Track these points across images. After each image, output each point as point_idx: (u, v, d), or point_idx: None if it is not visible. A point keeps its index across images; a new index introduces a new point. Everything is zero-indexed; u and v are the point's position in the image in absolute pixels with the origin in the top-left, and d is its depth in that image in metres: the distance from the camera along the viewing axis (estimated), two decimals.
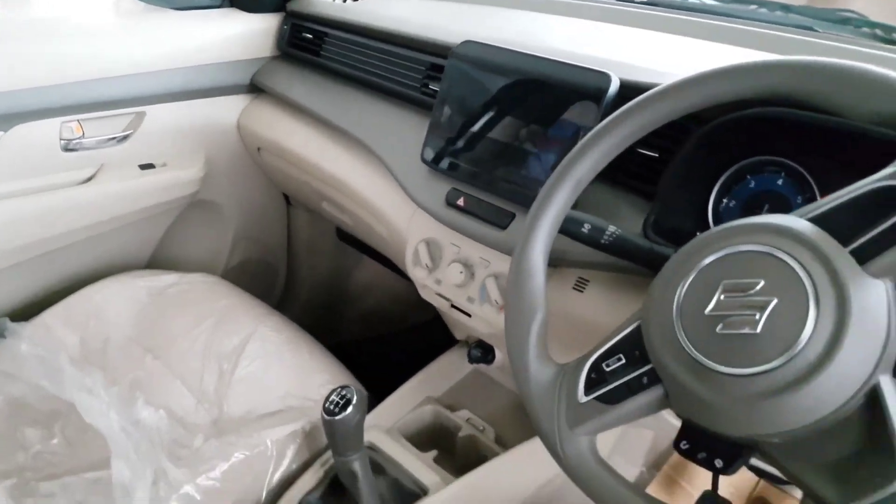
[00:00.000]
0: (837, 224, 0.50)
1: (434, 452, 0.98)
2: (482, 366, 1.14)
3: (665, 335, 0.54)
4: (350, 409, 0.81)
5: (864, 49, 0.89)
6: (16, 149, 1.12)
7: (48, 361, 1.02)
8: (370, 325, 1.80)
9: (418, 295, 1.06)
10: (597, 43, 1.04)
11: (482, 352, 1.10)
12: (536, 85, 0.87)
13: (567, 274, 0.86)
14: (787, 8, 1.13)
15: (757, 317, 0.49)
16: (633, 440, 1.15)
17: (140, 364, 1.05)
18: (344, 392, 0.82)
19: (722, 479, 1.01)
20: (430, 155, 0.98)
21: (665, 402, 0.56)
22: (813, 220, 0.51)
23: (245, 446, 0.90)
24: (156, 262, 1.42)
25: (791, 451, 0.51)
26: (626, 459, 1.12)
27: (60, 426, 0.95)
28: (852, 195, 0.51)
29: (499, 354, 1.11)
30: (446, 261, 0.97)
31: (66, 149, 1.19)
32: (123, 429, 0.90)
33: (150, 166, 1.30)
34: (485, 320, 0.94)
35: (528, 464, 0.95)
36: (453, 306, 0.99)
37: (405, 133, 1.06)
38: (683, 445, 0.59)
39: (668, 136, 0.80)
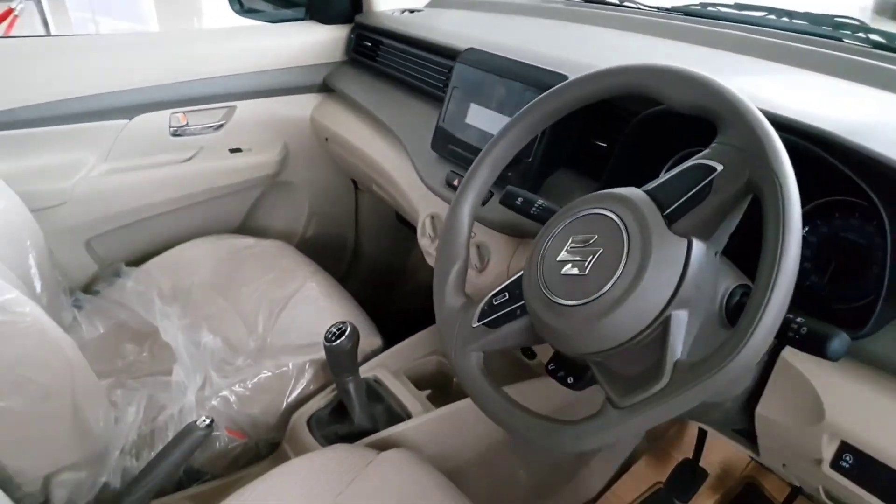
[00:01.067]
0: (664, 194, 0.65)
1: (428, 391, 1.18)
2: None
3: (531, 277, 0.71)
4: (343, 338, 1.02)
5: (859, 58, 0.97)
6: (137, 133, 1.44)
7: (145, 296, 1.33)
8: (421, 297, 2.01)
9: None
10: (589, 49, 1.19)
11: None
12: (513, 83, 1.04)
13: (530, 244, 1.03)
14: (791, 14, 1.22)
15: (586, 262, 0.66)
16: None
17: (212, 303, 1.33)
18: (341, 326, 1.04)
19: (713, 457, 1.19)
20: (436, 143, 1.18)
21: (532, 331, 0.73)
22: (648, 191, 0.67)
23: (273, 367, 1.15)
24: (242, 230, 1.72)
25: (608, 367, 0.66)
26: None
27: (149, 343, 1.25)
28: (678, 170, 0.65)
29: None
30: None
31: (174, 134, 1.50)
32: (187, 347, 1.18)
33: (238, 150, 1.59)
34: (469, 282, 1.13)
35: None
36: None
37: (426, 125, 1.26)
38: (550, 367, 0.76)
39: (615, 130, 0.95)
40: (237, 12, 1.71)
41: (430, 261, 1.24)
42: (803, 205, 0.72)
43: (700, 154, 0.64)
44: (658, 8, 1.44)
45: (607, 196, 0.69)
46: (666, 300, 0.60)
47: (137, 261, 1.47)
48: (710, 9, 1.28)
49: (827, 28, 1.09)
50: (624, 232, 0.64)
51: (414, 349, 1.28)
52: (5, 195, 1.17)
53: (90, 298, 1.36)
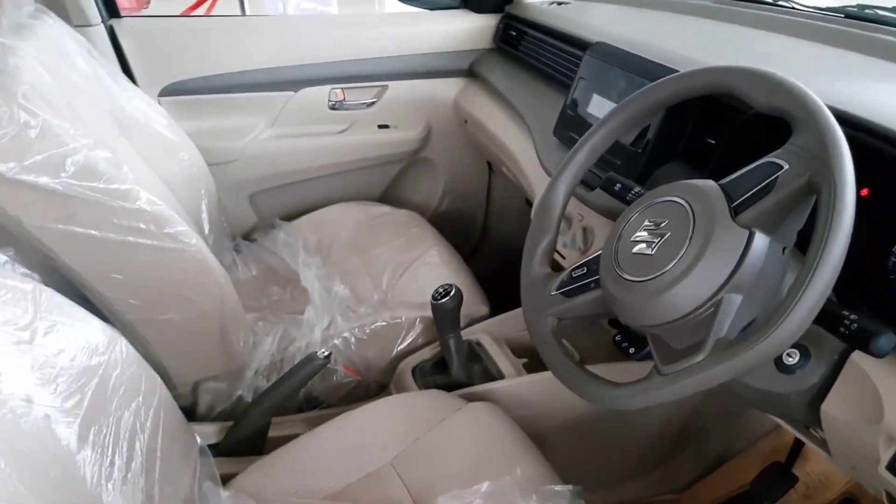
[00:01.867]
0: (735, 187, 0.69)
1: (525, 360, 1.26)
2: None
3: (607, 254, 0.78)
4: (447, 298, 1.13)
5: None
6: (301, 104, 1.64)
7: (293, 247, 1.53)
8: None
9: None
10: (721, 48, 1.20)
11: None
12: (634, 76, 1.09)
13: None
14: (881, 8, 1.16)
15: (654, 243, 0.71)
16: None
17: (347, 260, 1.50)
18: (448, 288, 1.15)
19: (813, 467, 1.22)
20: (557, 129, 1.25)
21: (602, 303, 0.79)
22: (721, 184, 0.71)
23: (389, 318, 1.29)
24: (384, 200, 1.89)
25: (663, 340, 0.72)
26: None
27: (290, 287, 1.44)
28: (750, 167, 0.69)
29: None
30: (574, 226, 1.22)
31: (332, 108, 1.69)
32: (320, 293, 1.35)
33: (385, 126, 1.75)
34: (571, 262, 1.19)
35: None
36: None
37: (553, 113, 1.33)
38: (617, 338, 0.82)
39: (726, 127, 0.97)
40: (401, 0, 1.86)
41: None
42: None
43: (773, 153, 0.67)
44: (814, 8, 1.40)
45: (684, 186, 0.74)
46: (720, 283, 0.65)
47: (291, 217, 1.67)
48: (867, 11, 1.23)
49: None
50: (691, 218, 0.69)
51: (519, 320, 1.36)
52: (189, 149, 1.40)
53: (248, 244, 1.58)
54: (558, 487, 0.90)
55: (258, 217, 1.72)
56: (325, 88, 1.66)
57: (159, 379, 0.88)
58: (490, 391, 1.15)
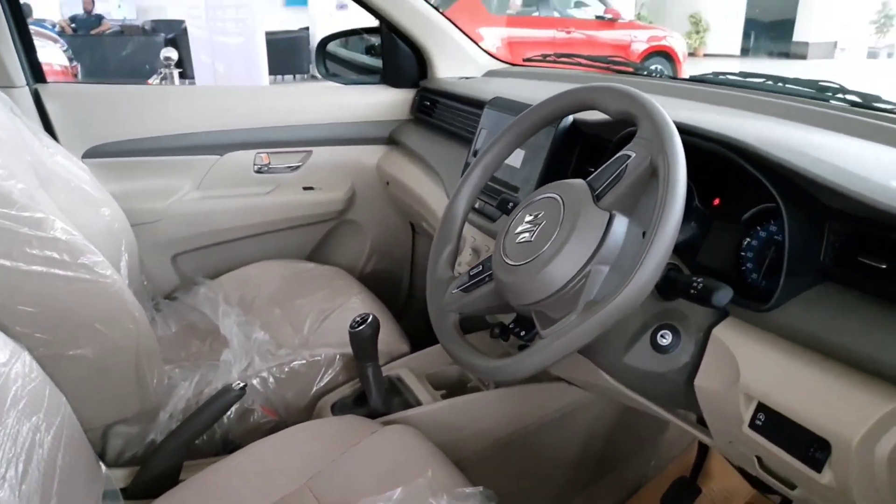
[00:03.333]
0: (597, 179, 0.80)
1: (444, 391, 1.29)
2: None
3: (497, 248, 0.85)
4: (364, 325, 1.17)
5: (841, 114, 1.08)
6: (226, 168, 1.71)
7: (214, 301, 1.54)
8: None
9: None
10: None
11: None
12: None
13: None
14: (784, 80, 1.33)
15: (534, 231, 0.80)
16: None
17: (269, 312, 1.52)
18: (364, 316, 1.19)
19: (715, 484, 1.30)
20: (464, 173, 1.34)
21: (497, 295, 0.86)
22: (586, 180, 0.81)
23: (308, 356, 1.31)
24: (310, 260, 1.93)
25: (546, 314, 0.78)
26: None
27: (210, 339, 1.44)
28: (608, 163, 0.79)
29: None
30: (467, 247, 1.30)
31: (258, 171, 1.76)
32: (238, 337, 1.37)
33: (310, 188, 1.83)
34: None
35: (508, 404, 1.22)
36: None
37: (462, 162, 1.44)
38: (511, 325, 0.88)
39: (601, 157, 1.08)
40: (322, 75, 1.99)
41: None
42: (744, 211, 0.85)
43: (624, 148, 0.78)
44: (672, 77, 1.59)
45: (557, 183, 0.84)
46: (588, 257, 0.74)
47: (216, 274, 1.69)
48: (720, 77, 1.41)
49: (812, 90, 1.19)
50: (562, 207, 0.79)
51: (438, 356, 1.40)
52: (111, 206, 1.43)
53: (168, 303, 1.59)
54: (469, 489, 0.92)
55: (181, 278, 1.74)
56: (251, 153, 1.73)
57: (65, 398, 0.88)
58: (408, 417, 1.17)
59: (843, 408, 0.68)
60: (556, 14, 9.53)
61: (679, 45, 9.81)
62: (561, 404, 1.28)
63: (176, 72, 3.93)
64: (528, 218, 0.83)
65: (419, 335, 1.54)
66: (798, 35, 13.04)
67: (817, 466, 0.70)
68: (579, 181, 0.81)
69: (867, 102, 1.10)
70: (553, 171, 1.14)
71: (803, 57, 12.89)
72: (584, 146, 1.14)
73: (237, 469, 1.01)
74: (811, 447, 0.70)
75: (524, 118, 0.95)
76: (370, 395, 1.21)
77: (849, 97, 1.14)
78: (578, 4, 9.94)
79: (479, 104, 1.47)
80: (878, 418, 0.65)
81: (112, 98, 1.59)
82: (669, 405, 0.91)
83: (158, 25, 9.16)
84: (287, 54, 8.19)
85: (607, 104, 0.82)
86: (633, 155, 0.75)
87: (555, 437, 1.29)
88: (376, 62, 2.04)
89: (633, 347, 0.85)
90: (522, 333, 0.87)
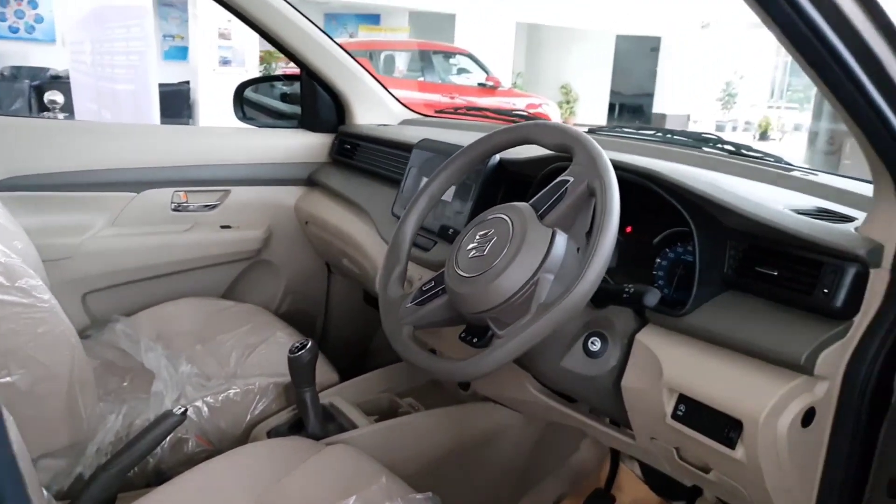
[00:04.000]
0: (539, 201, 0.91)
1: (376, 417, 1.34)
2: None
3: (450, 263, 0.94)
4: (303, 351, 1.21)
5: (720, 158, 1.28)
6: (143, 205, 1.69)
7: (133, 337, 1.51)
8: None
9: None
10: None
11: None
12: None
13: None
14: (672, 132, 1.54)
15: (485, 247, 0.90)
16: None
17: (192, 347, 1.51)
18: (304, 342, 1.23)
19: (625, 497, 1.41)
20: (395, 208, 1.44)
21: (449, 307, 0.94)
22: (530, 203, 0.92)
23: (242, 385, 1.32)
24: (225, 298, 1.92)
25: (501, 320, 0.88)
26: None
27: (131, 376, 1.41)
28: (548, 187, 0.92)
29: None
30: None
31: (175, 209, 1.76)
32: (168, 369, 1.35)
33: (227, 227, 1.84)
34: None
35: (440, 424, 1.29)
36: None
37: (389, 201, 1.53)
38: (462, 335, 0.97)
39: (524, 189, 1.21)
40: (239, 119, 2.03)
41: None
42: (655, 235, 1.00)
43: (562, 174, 0.91)
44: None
45: (504, 206, 0.95)
46: (536, 267, 0.85)
47: (133, 311, 1.65)
48: (616, 128, 1.62)
49: (694, 140, 1.41)
50: (510, 226, 0.90)
51: (369, 383, 1.45)
52: (23, 240, 1.38)
53: (81, 341, 1.53)
54: (419, 496, 0.98)
55: (91, 317, 1.68)
56: (169, 191, 1.73)
57: None
58: (346, 439, 1.21)
59: (751, 391, 0.82)
60: (439, 80, 10.03)
61: (554, 113, 10.56)
62: (487, 425, 1.37)
63: (61, 115, 3.77)
64: (478, 236, 0.93)
65: (340, 372, 1.58)
66: (657, 107, 14.41)
67: (731, 444, 0.83)
68: (524, 204, 0.92)
69: (738, 150, 1.31)
70: (482, 203, 1.25)
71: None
72: (509, 184, 1.26)
73: (180, 496, 1.00)
74: (725, 428, 0.83)
75: (468, 150, 1.06)
76: (308, 420, 1.23)
77: (725, 147, 1.35)
78: (461, 71, 10.51)
79: (404, 146, 1.58)
80: (779, 396, 0.79)
81: (27, 131, 1.55)
82: (599, 406, 1.03)
83: (20, 72, 8.67)
84: (167, 106, 8.02)
85: (545, 138, 0.95)
86: (572, 180, 0.87)
87: (482, 455, 1.37)
88: (292, 108, 2.11)
89: (568, 353, 0.96)
90: (475, 341, 0.96)
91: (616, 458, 1.50)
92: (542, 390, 1.14)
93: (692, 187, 0.92)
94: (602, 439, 1.17)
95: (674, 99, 13.91)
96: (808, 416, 0.81)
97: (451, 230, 1.14)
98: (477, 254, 0.90)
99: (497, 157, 1.25)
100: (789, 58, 0.83)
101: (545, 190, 0.92)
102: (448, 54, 10.70)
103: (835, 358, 0.79)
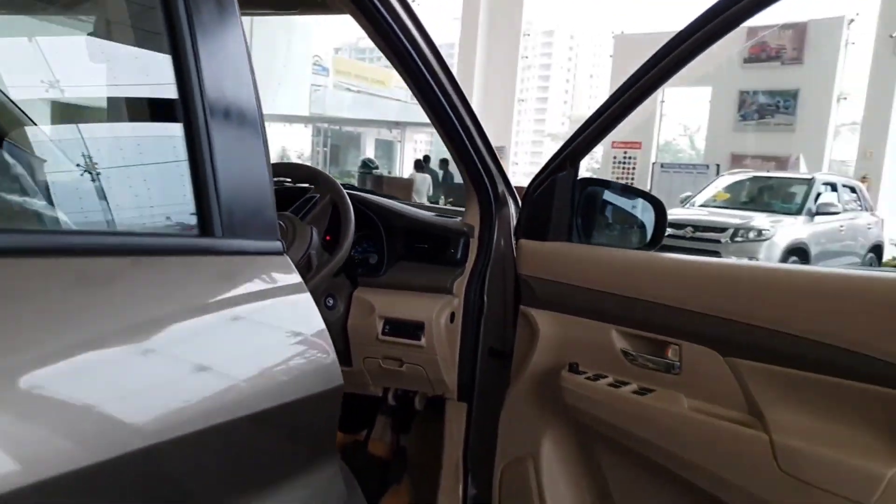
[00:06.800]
0: (298, 210, 1.56)
1: None
2: None
3: None
4: None
5: None
6: None
7: None
8: None
9: None
10: None
11: None
12: None
13: None
14: None
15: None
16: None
17: None
18: None
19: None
20: None
21: None
22: (291, 210, 1.58)
23: None
24: None
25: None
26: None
27: None
28: (302, 199, 1.58)
29: None
30: None
31: None
32: None
33: None
34: None
35: None
36: None
37: None
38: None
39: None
40: None
41: None
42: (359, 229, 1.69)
43: (308, 192, 1.58)
44: None
45: (281, 215, 1.60)
46: (305, 247, 1.48)
47: None
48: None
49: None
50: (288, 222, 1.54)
51: None
52: None
53: None
54: None
55: None
56: None
57: None
58: None
59: (425, 307, 1.52)
60: None
61: None
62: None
63: None
64: None
65: None
66: None
67: (419, 338, 1.52)
68: (290, 213, 1.56)
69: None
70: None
71: None
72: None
73: None
74: (414, 329, 1.52)
75: None
76: None
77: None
78: None
79: None
80: (439, 306, 1.50)
81: None
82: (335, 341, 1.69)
83: None
84: None
85: (295, 175, 1.63)
86: (318, 196, 1.54)
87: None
88: None
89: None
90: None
91: None
92: None
93: (380, 202, 1.64)
94: None
95: None
96: (452, 317, 1.53)
97: None
98: None
99: None
100: None
101: (302, 200, 1.56)
102: None
103: (460, 284, 1.53)
